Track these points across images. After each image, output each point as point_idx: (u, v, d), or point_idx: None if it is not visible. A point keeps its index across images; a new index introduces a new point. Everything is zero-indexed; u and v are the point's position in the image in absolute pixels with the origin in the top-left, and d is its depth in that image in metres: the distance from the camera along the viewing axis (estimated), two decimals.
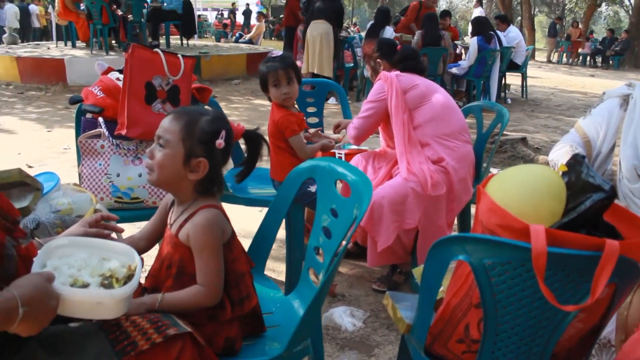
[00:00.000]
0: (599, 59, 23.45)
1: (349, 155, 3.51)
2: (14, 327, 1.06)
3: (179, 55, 2.64)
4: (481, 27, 8.64)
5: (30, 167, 5.22)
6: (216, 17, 28.65)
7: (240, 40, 17.43)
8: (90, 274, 1.24)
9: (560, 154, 2.26)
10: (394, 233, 2.82)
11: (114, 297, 1.17)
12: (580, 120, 2.39)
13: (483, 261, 1.35)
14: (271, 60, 2.83)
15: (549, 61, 23.54)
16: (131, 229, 2.97)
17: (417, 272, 1.86)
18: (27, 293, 1.07)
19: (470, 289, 1.55)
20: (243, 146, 1.77)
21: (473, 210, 3.54)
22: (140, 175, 2.56)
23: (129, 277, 1.26)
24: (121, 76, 2.77)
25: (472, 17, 9.61)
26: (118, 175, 2.56)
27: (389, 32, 8.72)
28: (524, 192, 1.38)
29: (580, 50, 23.72)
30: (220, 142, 1.51)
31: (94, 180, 2.56)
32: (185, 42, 12.71)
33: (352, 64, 9.81)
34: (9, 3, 20.25)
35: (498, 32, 9.20)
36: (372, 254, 2.92)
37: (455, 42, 10.29)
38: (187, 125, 1.51)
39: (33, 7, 20.57)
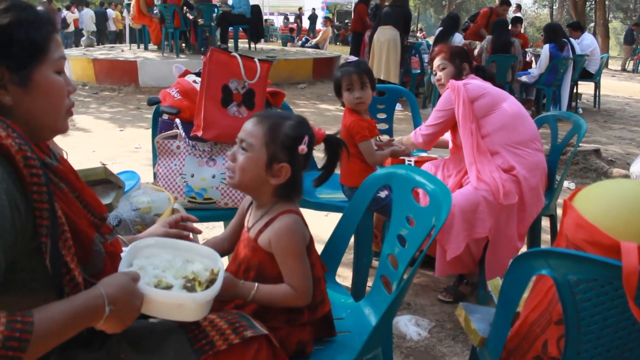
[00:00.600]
0: None
1: (419, 163, 3.48)
2: (100, 324, 1.10)
3: (256, 60, 2.68)
4: (554, 34, 8.40)
5: (103, 164, 5.40)
6: (283, 22, 29.00)
7: (306, 45, 17.59)
8: (174, 275, 1.26)
9: None
10: (463, 242, 2.77)
11: (195, 301, 1.20)
12: None
13: (567, 277, 1.30)
14: (346, 65, 2.84)
15: (624, 70, 22.62)
16: (203, 230, 3.02)
17: (493, 284, 1.82)
18: (114, 292, 1.10)
19: (550, 305, 1.50)
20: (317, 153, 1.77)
21: (545, 222, 3.45)
22: (213, 177, 2.61)
23: (211, 281, 1.27)
24: (198, 79, 2.84)
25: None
26: (192, 176, 2.62)
27: (458, 39, 8.59)
28: (614, 207, 1.32)
29: None
30: (303, 148, 1.51)
31: (168, 180, 2.63)
32: (252, 45, 12.91)
33: (419, 71, 9.73)
34: (86, 8, 21.21)
35: (571, 39, 8.91)
36: (441, 263, 2.88)
37: (526, 49, 10.05)
38: (271, 129, 1.51)
39: (110, 12, 21.49)
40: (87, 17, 20.45)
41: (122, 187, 1.92)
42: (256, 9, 11.82)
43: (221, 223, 3.09)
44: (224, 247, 1.73)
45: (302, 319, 1.56)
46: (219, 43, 11.67)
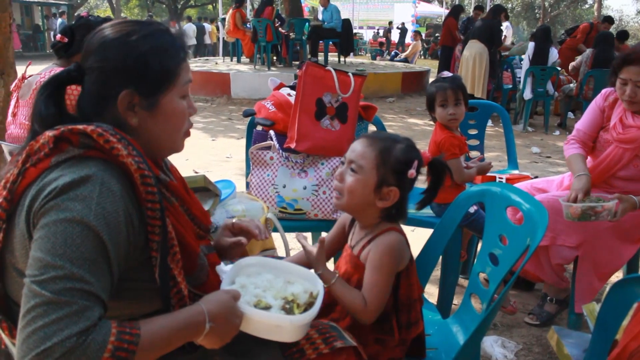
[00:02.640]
0: None
1: (510, 181, 3.40)
2: (199, 339, 1.15)
3: (350, 74, 2.72)
4: None
5: (196, 172, 5.64)
6: (373, 36, 29.09)
7: (395, 59, 17.57)
8: (273, 295, 1.29)
9: None
10: (544, 240, 2.64)
11: (292, 323, 1.22)
12: None
13: None
14: (441, 80, 2.82)
15: None
16: (290, 240, 3.09)
17: (588, 309, 1.75)
18: (215, 310, 1.15)
19: None
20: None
21: None
22: (305, 188, 2.67)
23: (310, 305, 1.29)
24: (292, 92, 2.92)
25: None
26: (284, 187, 2.69)
27: (553, 54, 8.31)
28: None
29: None
30: (412, 172, 1.50)
31: (261, 190, 2.71)
32: (342, 59, 13.05)
33: (510, 86, 9.49)
34: (189, 22, 22.28)
35: None
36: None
37: None
38: (382, 152, 1.51)
39: (207, 26, 22.44)
40: (189, 31, 21.48)
41: (219, 196, 2.00)
42: (347, 23, 11.96)
43: (309, 233, 3.13)
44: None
45: (394, 341, 1.56)
46: (309, 56, 11.89)
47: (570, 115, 9.48)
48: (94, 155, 1.09)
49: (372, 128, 3.39)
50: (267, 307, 1.25)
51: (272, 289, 1.32)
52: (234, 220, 1.62)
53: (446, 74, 2.85)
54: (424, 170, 1.62)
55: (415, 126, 8.81)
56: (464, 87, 2.83)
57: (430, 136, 7.73)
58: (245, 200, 2.13)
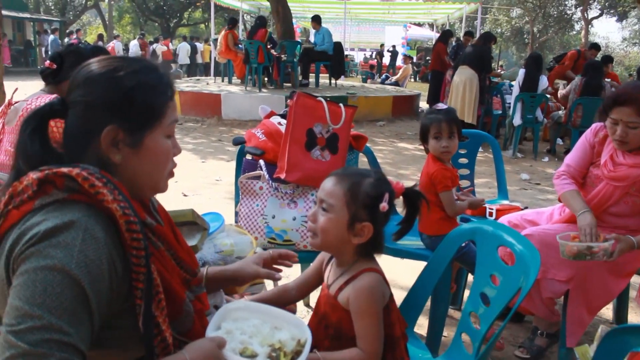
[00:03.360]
0: None
1: (500, 212, 3.39)
2: None
3: (341, 105, 2.71)
4: None
5: (185, 195, 5.60)
6: (363, 58, 29.29)
7: (386, 82, 17.67)
8: (260, 342, 1.26)
9: None
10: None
11: None
12: None
13: None
14: (435, 112, 2.82)
15: None
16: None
17: (581, 351, 1.73)
18: (198, 358, 1.12)
19: None
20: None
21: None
22: (294, 219, 2.64)
23: (297, 353, 1.26)
24: (283, 120, 2.90)
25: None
26: (273, 217, 2.66)
27: (543, 81, 8.40)
28: None
29: None
30: (384, 206, 1.49)
31: (250, 220, 2.68)
32: (333, 81, 13.10)
33: (500, 112, 9.56)
34: (183, 41, 22.38)
35: None
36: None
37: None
38: (351, 189, 1.50)
39: (200, 45, 22.54)
40: (183, 50, 21.60)
41: (207, 229, 1.96)
42: (338, 46, 12.04)
43: (299, 265, 3.09)
44: (292, 295, 1.72)
45: None
46: (300, 78, 11.94)
47: (559, 141, 9.55)
48: (78, 199, 1.06)
49: (363, 158, 3.39)
50: (253, 356, 1.22)
51: (259, 335, 1.28)
52: (270, 252, 1.65)
53: (441, 105, 2.86)
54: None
55: (406, 150, 8.82)
56: (458, 120, 2.83)
57: (420, 161, 7.74)
58: (234, 233, 2.10)
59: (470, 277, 2.97)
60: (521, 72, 8.67)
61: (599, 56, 11.04)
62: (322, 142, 2.70)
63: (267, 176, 2.69)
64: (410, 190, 1.63)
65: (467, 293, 2.99)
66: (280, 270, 1.69)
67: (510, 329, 3.22)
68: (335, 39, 12.32)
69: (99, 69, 1.16)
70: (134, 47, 20.24)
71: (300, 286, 1.72)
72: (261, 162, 2.76)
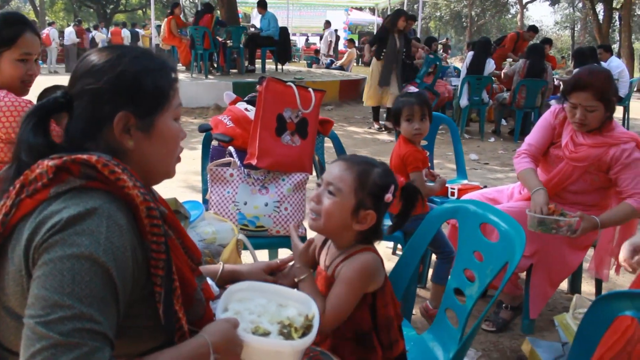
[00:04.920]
0: None
1: (462, 191, 3.48)
2: None
3: (310, 89, 2.72)
4: (584, 58, 8.38)
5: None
6: (305, 43, 29.19)
7: (331, 67, 17.69)
8: (269, 320, 1.27)
9: None
10: None
11: (294, 348, 1.20)
12: None
13: None
14: (407, 95, 2.88)
15: None
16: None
17: (560, 319, 1.81)
18: (218, 340, 1.11)
19: (629, 344, 1.50)
20: None
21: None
22: (266, 205, 2.64)
23: (307, 328, 1.27)
24: (249, 106, 2.89)
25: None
26: (245, 204, 2.65)
27: (491, 65, 8.63)
28: None
29: None
30: (389, 197, 1.52)
31: (221, 207, 2.66)
32: (279, 67, 13.04)
33: (446, 94, 9.71)
34: (124, 28, 21.76)
35: (602, 62, 8.88)
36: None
37: (554, 73, 10.03)
38: (361, 176, 1.52)
39: (140, 32, 21.98)
40: (125, 38, 20.94)
41: (189, 218, 1.94)
42: (284, 32, 11.98)
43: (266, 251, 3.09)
44: (283, 284, 1.71)
45: (375, 359, 1.56)
46: (246, 64, 11.82)
47: (503, 122, 9.82)
48: (96, 187, 1.03)
49: (327, 143, 3.41)
50: (265, 333, 1.22)
51: (267, 314, 1.29)
52: (278, 261, 1.67)
53: (412, 89, 2.91)
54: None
55: (356, 134, 8.88)
56: (429, 103, 2.89)
57: (370, 144, 7.82)
58: (214, 221, 2.09)
59: (433, 257, 3.04)
60: (469, 55, 8.87)
61: (537, 38, 11.39)
62: (292, 127, 2.71)
63: (238, 162, 2.67)
64: (409, 185, 1.66)
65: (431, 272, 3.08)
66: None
67: (476, 304, 3.31)
68: (278, 23, 12.24)
69: (101, 57, 1.14)
70: (70, 34, 19.47)
71: (290, 277, 1.69)
72: (231, 148, 2.74)
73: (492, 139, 8.91)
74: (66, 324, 0.91)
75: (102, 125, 1.12)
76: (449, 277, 1.90)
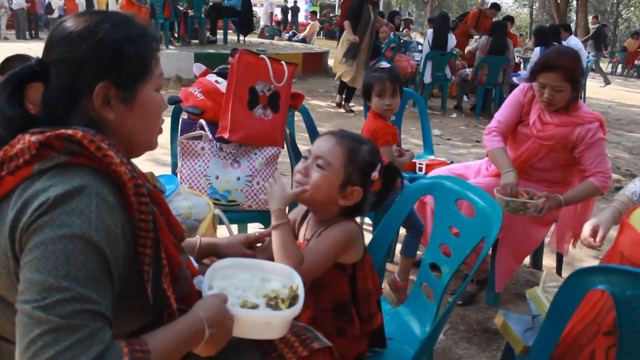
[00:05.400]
0: None
1: (429, 167, 3.52)
2: (198, 347, 1.10)
3: (283, 62, 2.69)
4: (544, 37, 8.51)
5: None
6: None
7: (293, 39, 17.53)
8: (255, 294, 1.27)
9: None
10: None
11: (283, 318, 1.21)
12: None
13: (625, 292, 1.35)
14: (379, 71, 2.86)
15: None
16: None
17: (531, 293, 1.86)
18: (211, 315, 1.11)
19: (599, 316, 1.55)
20: None
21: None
22: (238, 179, 2.62)
23: (294, 298, 1.28)
24: (219, 79, 2.84)
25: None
26: (217, 178, 2.62)
27: (452, 40, 8.68)
28: None
29: (636, 62, 23.16)
30: (376, 174, 1.54)
31: (193, 181, 2.63)
32: (242, 38, 12.85)
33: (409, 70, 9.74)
34: None
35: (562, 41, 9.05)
36: (428, 233, 2.89)
37: (515, 49, 10.17)
38: (352, 151, 1.53)
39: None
40: (79, 4, 20.13)
41: (164, 193, 1.91)
42: (247, 2, 11.76)
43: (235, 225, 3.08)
44: (265, 257, 1.67)
45: (355, 331, 1.58)
46: (208, 35, 11.61)
47: (465, 98, 9.94)
48: (81, 163, 0.99)
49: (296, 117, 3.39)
50: (254, 307, 1.23)
51: (252, 289, 1.30)
52: (257, 233, 1.63)
53: (384, 64, 2.90)
54: None
55: (319, 108, 8.86)
56: (400, 79, 2.90)
57: (334, 118, 7.80)
58: (189, 196, 2.06)
59: (402, 231, 3.08)
60: (429, 31, 8.90)
61: (499, 16, 11.49)
62: (264, 100, 2.68)
63: (210, 136, 2.63)
64: (391, 165, 1.67)
65: (398, 247, 3.12)
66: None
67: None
68: None
69: (79, 24, 1.08)
70: None
71: (270, 247, 1.70)
72: (202, 121, 2.70)
73: (454, 115, 9.02)
74: (65, 306, 0.88)
75: (81, 97, 1.07)
76: (425, 252, 1.93)
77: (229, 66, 2.66)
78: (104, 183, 1.00)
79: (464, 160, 6.15)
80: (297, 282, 1.32)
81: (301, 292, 1.29)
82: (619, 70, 23.55)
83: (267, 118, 2.69)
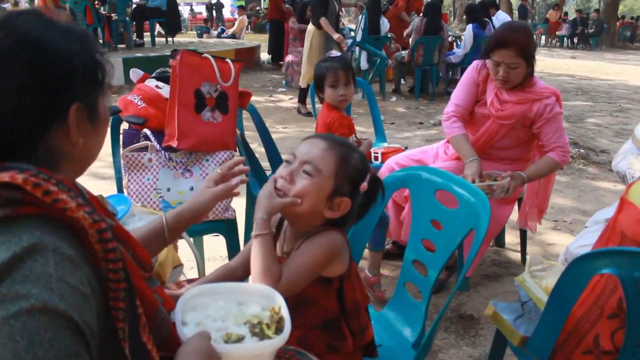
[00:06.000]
0: (575, 40, 23.85)
1: (385, 154, 3.43)
2: None
3: (228, 60, 2.52)
4: (476, 14, 8.61)
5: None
6: (190, 13, 28.27)
7: (222, 36, 17.18)
8: (235, 323, 1.11)
9: (626, 165, 2.16)
10: None
11: (273, 347, 1.07)
12: (637, 128, 2.28)
13: (633, 274, 1.28)
14: (330, 60, 2.73)
15: None
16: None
17: (520, 280, 1.78)
18: None
19: (600, 299, 1.48)
20: None
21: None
22: (192, 189, 2.44)
23: (278, 321, 1.13)
24: (160, 83, 2.65)
25: None
26: (168, 190, 2.43)
27: (385, 24, 8.66)
28: None
29: (558, 32, 23.97)
30: (365, 185, 1.38)
31: (142, 196, 2.43)
32: (170, 39, 12.47)
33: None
34: None
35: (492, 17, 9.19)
36: (407, 227, 2.81)
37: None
38: (343, 158, 1.37)
39: (5, 6, 20.10)
40: None
41: (116, 215, 1.73)
42: (172, 1, 11.42)
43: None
44: (238, 274, 1.53)
45: (347, 347, 1.45)
46: (135, 38, 11.20)
47: (402, 81, 9.95)
48: (27, 213, 0.80)
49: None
50: (239, 339, 1.08)
51: (230, 316, 1.13)
52: (218, 170, 1.42)
53: (334, 53, 2.77)
54: None
55: (257, 104, 8.63)
56: (353, 67, 2.78)
57: (274, 112, 7.67)
58: (144, 215, 1.87)
59: None
60: (361, 17, 8.84)
61: None
62: (211, 102, 2.50)
63: (157, 146, 2.44)
64: (375, 176, 1.49)
65: None
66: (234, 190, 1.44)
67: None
68: None
69: (9, 43, 0.86)
70: None
71: (245, 262, 1.51)
72: (146, 131, 2.49)
73: (394, 99, 9.00)
74: None
75: (45, 127, 0.89)
76: (406, 249, 1.81)
77: (170, 69, 2.47)
78: (59, 233, 0.81)
79: (411, 143, 6.13)
80: (279, 302, 1.16)
81: (285, 314, 1.14)
82: (542, 41, 24.31)
83: (216, 121, 2.51)
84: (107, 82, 0.98)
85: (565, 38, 23.95)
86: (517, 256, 3.43)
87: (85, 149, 0.94)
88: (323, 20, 7.09)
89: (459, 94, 2.93)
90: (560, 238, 3.80)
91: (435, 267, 1.66)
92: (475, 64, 2.94)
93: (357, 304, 1.47)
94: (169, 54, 2.50)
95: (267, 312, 1.15)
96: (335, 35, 7.09)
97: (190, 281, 1.56)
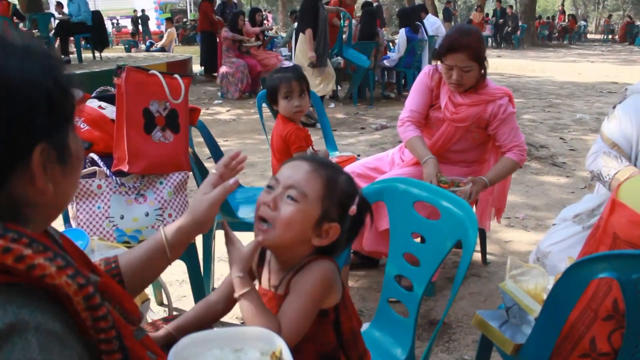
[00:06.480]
0: (499, 38, 24.74)
1: (340, 164, 3.35)
2: None
3: (177, 76, 2.38)
4: (408, 18, 8.72)
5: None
6: (115, 27, 27.53)
7: (151, 49, 16.78)
8: None
9: (601, 164, 2.15)
10: (385, 222, 2.66)
11: None
12: (603, 125, 2.28)
13: (632, 276, 1.25)
14: (283, 71, 2.64)
15: None
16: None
17: (503, 286, 1.74)
18: None
19: (593, 302, 1.46)
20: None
21: None
22: (147, 215, 2.29)
23: None
24: (103, 103, 2.49)
25: None
26: (122, 218, 2.28)
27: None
28: None
29: (483, 33, 24.71)
30: (354, 209, 1.28)
31: (94, 226, 2.26)
32: (97, 55, 12.04)
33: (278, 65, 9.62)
34: None
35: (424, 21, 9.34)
36: (371, 236, 2.76)
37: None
38: (330, 182, 1.27)
39: None
40: None
41: None
42: (97, 16, 11.01)
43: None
44: (218, 309, 1.42)
45: None
46: (61, 55, 10.74)
47: (339, 87, 9.96)
48: None
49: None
50: None
51: None
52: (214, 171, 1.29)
53: (287, 63, 2.69)
54: None
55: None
56: (306, 78, 2.69)
57: (221, 124, 7.50)
58: (105, 250, 1.73)
59: None
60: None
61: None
62: (161, 121, 2.35)
63: (107, 171, 2.28)
64: (362, 198, 1.39)
65: None
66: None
67: (370, 276, 3.24)
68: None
69: None
70: None
71: (225, 296, 1.40)
72: (93, 155, 2.32)
73: (332, 105, 8.98)
74: None
75: (4, 175, 0.75)
76: (387, 264, 1.74)
77: (115, 87, 2.32)
78: (40, 305, 0.69)
79: (356, 149, 6.10)
80: (279, 345, 1.06)
81: (287, 356, 1.04)
82: None
83: (168, 141, 2.37)
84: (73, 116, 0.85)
85: (489, 38, 24.72)
86: (477, 256, 3.43)
87: (56, 195, 0.81)
88: (308, 32, 7.02)
89: (413, 100, 2.91)
90: (515, 234, 3.85)
91: (421, 281, 1.59)
92: (427, 69, 2.93)
93: (354, 332, 1.38)
94: (107, 69, 2.34)
95: (267, 358, 1.05)
96: (310, 54, 6.99)
97: (166, 320, 1.42)
